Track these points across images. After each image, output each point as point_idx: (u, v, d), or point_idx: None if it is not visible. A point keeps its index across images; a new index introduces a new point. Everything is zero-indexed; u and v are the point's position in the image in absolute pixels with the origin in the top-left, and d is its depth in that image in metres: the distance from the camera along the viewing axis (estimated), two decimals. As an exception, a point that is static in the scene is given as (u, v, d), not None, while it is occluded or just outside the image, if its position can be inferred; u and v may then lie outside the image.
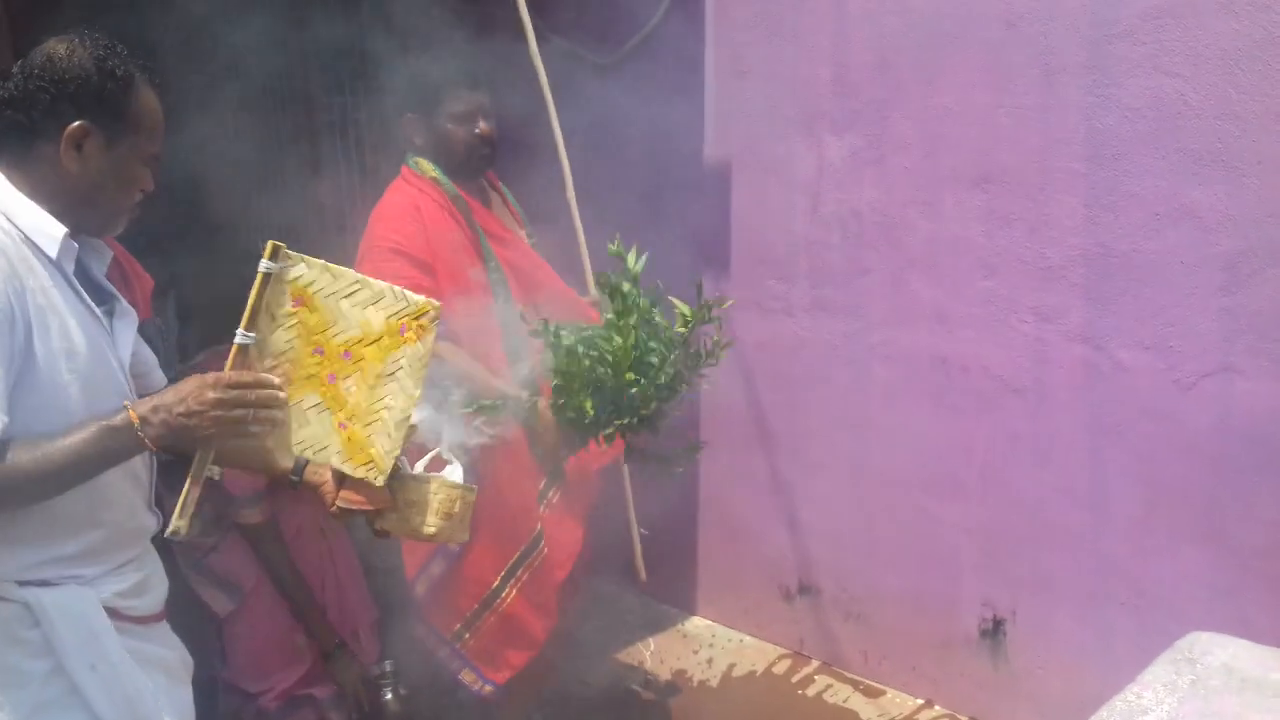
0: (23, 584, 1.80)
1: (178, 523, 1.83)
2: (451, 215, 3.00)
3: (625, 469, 3.54)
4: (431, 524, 2.13)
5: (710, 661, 4.00)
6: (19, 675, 1.81)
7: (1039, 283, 3.17)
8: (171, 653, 2.08)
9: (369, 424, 1.96)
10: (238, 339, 1.84)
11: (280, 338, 1.87)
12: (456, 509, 2.16)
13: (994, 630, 3.45)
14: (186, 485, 1.83)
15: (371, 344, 1.92)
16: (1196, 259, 2.88)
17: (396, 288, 1.93)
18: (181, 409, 1.75)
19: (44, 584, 1.81)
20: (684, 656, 4.02)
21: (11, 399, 1.71)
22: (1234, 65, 2.74)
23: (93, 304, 1.87)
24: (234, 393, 1.78)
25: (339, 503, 2.09)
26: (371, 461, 1.98)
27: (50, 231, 1.80)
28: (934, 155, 3.32)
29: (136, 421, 1.74)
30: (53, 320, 1.77)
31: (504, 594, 3.05)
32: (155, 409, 1.76)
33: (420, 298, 1.94)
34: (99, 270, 1.97)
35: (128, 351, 1.94)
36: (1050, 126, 3.07)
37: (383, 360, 1.93)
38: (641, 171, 3.57)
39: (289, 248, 1.89)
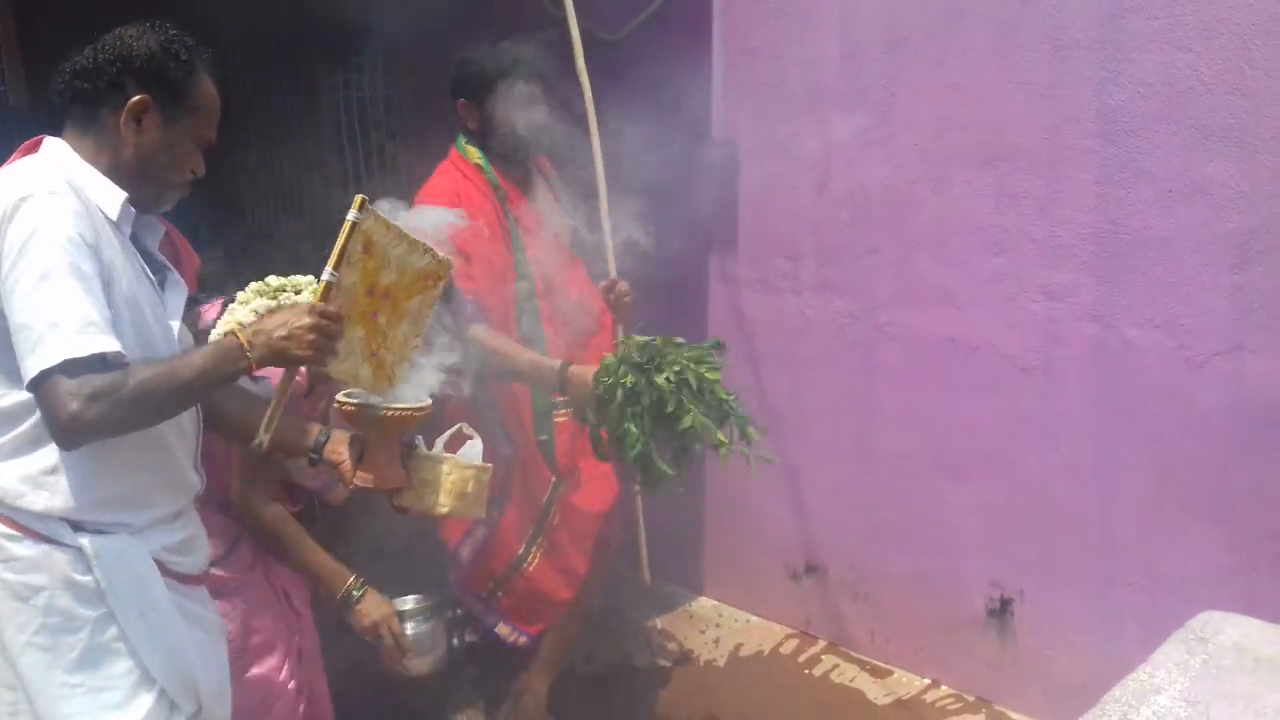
0: (77, 529, 1.91)
1: (262, 435, 1.98)
2: (491, 204, 3.06)
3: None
4: (444, 503, 2.25)
5: (717, 641, 3.99)
6: (70, 619, 1.91)
7: (1049, 261, 3.15)
8: (212, 615, 2.21)
9: (393, 350, 2.19)
10: (326, 276, 2.00)
11: (349, 279, 2.04)
12: (470, 488, 2.27)
13: (1001, 610, 3.44)
14: (274, 401, 2.01)
15: (403, 287, 2.16)
16: (1208, 236, 2.86)
17: (426, 243, 2.18)
18: (283, 333, 1.93)
19: (98, 531, 1.92)
20: (691, 636, 4.02)
21: None
22: (1248, 40, 2.71)
23: (148, 270, 2.02)
24: (324, 322, 1.96)
25: (356, 481, 2.19)
26: (387, 379, 2.19)
27: (111, 195, 1.94)
28: (943, 133, 3.29)
29: (245, 344, 1.91)
30: (118, 270, 1.90)
31: (529, 559, 3.21)
32: (257, 333, 1.93)
33: (442, 255, 2.22)
34: (152, 244, 2.11)
35: (178, 319, 2.08)
36: (1061, 103, 3.04)
37: (407, 300, 2.18)
38: (647, 149, 3.54)
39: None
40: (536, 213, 3.19)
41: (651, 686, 3.59)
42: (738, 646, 3.95)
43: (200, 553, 2.17)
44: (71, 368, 1.75)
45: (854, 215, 3.55)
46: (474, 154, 3.11)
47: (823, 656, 3.87)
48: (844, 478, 3.77)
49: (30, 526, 1.90)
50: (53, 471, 1.89)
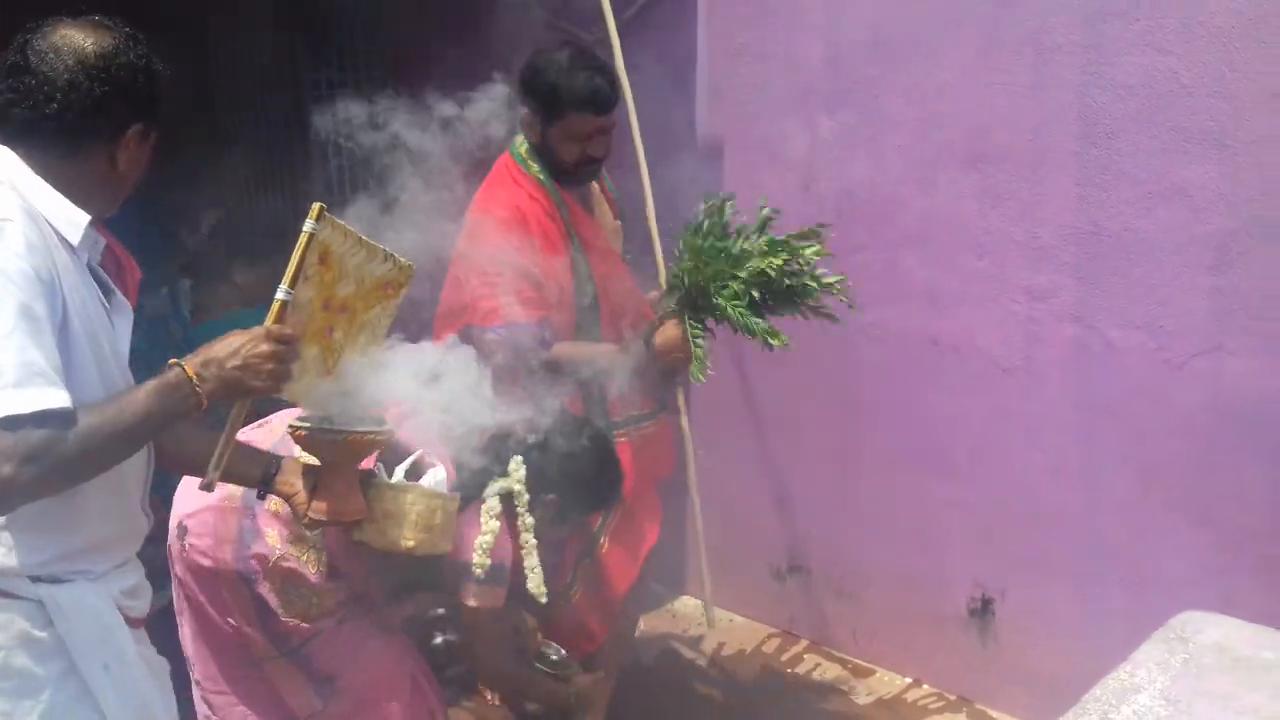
0: (35, 580, 1.75)
1: (212, 474, 1.83)
2: (553, 221, 2.94)
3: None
4: (410, 537, 2.09)
5: (700, 641, 4.00)
6: (29, 679, 1.75)
7: (1031, 262, 3.16)
8: (158, 657, 2.04)
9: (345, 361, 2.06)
10: (281, 295, 1.85)
11: (304, 294, 1.90)
12: (437, 520, 2.11)
13: (983, 609, 3.46)
14: (223, 437, 1.85)
15: (361, 297, 2.02)
16: (1187, 238, 2.88)
17: (386, 250, 2.02)
18: (236, 362, 1.76)
19: (55, 580, 1.77)
20: (674, 636, 4.02)
21: None
22: (1228, 43, 2.73)
23: (102, 296, 1.84)
24: (281, 348, 1.80)
25: (310, 514, 2.05)
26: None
27: (73, 219, 1.76)
28: (927, 134, 3.30)
29: (192, 377, 1.73)
30: (78, 303, 1.74)
31: (574, 588, 3.05)
32: (207, 363, 1.75)
33: (405, 260, 2.06)
34: (94, 259, 1.91)
35: (126, 347, 1.90)
36: (1044, 105, 3.05)
37: (366, 311, 2.04)
38: (632, 149, 3.54)
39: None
40: (595, 224, 3.08)
41: (634, 687, 3.58)
42: (720, 646, 3.96)
43: (146, 594, 2.00)
44: (11, 424, 1.56)
45: (839, 215, 3.54)
46: (533, 165, 2.94)
47: (805, 656, 3.88)
48: (828, 477, 3.78)
49: None
50: (5, 528, 1.72)
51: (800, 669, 3.81)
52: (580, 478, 2.63)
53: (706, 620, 3.74)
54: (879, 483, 3.65)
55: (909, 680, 3.68)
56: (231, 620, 2.43)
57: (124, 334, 1.89)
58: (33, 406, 1.56)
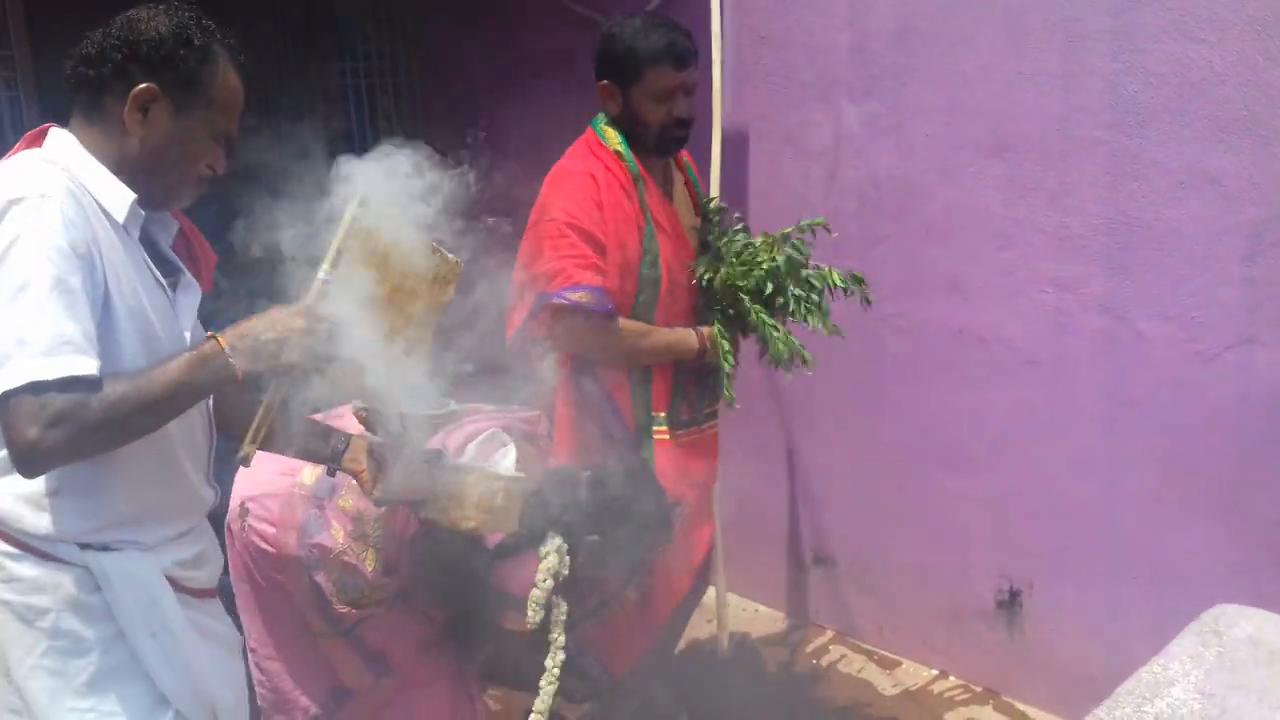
0: (84, 547, 1.79)
1: (248, 448, 1.80)
2: (628, 195, 2.85)
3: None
4: (471, 517, 2.09)
5: (723, 631, 3.98)
6: (78, 641, 1.79)
7: (1059, 252, 3.14)
8: (226, 628, 2.07)
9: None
10: (321, 275, 1.82)
11: (347, 279, 1.87)
12: (499, 501, 2.10)
13: (1010, 602, 3.44)
14: (260, 411, 1.81)
15: (408, 291, 1.97)
16: (1220, 228, 2.85)
17: (434, 243, 1.98)
18: (271, 335, 1.73)
19: (104, 548, 1.80)
20: (697, 625, 4.00)
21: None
22: (1262, 31, 2.70)
23: (158, 274, 1.85)
24: (317, 324, 1.77)
25: (375, 492, 2.06)
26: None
27: (119, 195, 1.78)
28: (953, 123, 3.28)
29: (225, 348, 1.71)
30: (124, 279, 1.75)
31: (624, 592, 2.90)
32: (242, 335, 1.73)
33: (452, 256, 2.02)
34: (165, 242, 1.94)
35: (190, 324, 1.91)
36: (1072, 93, 3.02)
37: (413, 305, 1.99)
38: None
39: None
40: (673, 211, 3.00)
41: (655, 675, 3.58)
42: (744, 636, 3.95)
43: (212, 564, 2.04)
44: (37, 390, 1.58)
45: (863, 205, 3.54)
46: (614, 138, 2.87)
47: (830, 647, 3.87)
48: (851, 469, 3.77)
49: (33, 545, 1.78)
50: (54, 494, 1.76)
51: (825, 660, 3.81)
52: (627, 523, 2.50)
53: (717, 619, 3.68)
54: (903, 474, 3.63)
55: (935, 672, 3.67)
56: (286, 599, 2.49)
57: (186, 313, 1.90)
58: (58, 372, 1.59)
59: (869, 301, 2.94)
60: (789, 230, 2.92)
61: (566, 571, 2.33)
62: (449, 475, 2.08)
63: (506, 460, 2.28)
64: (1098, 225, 3.05)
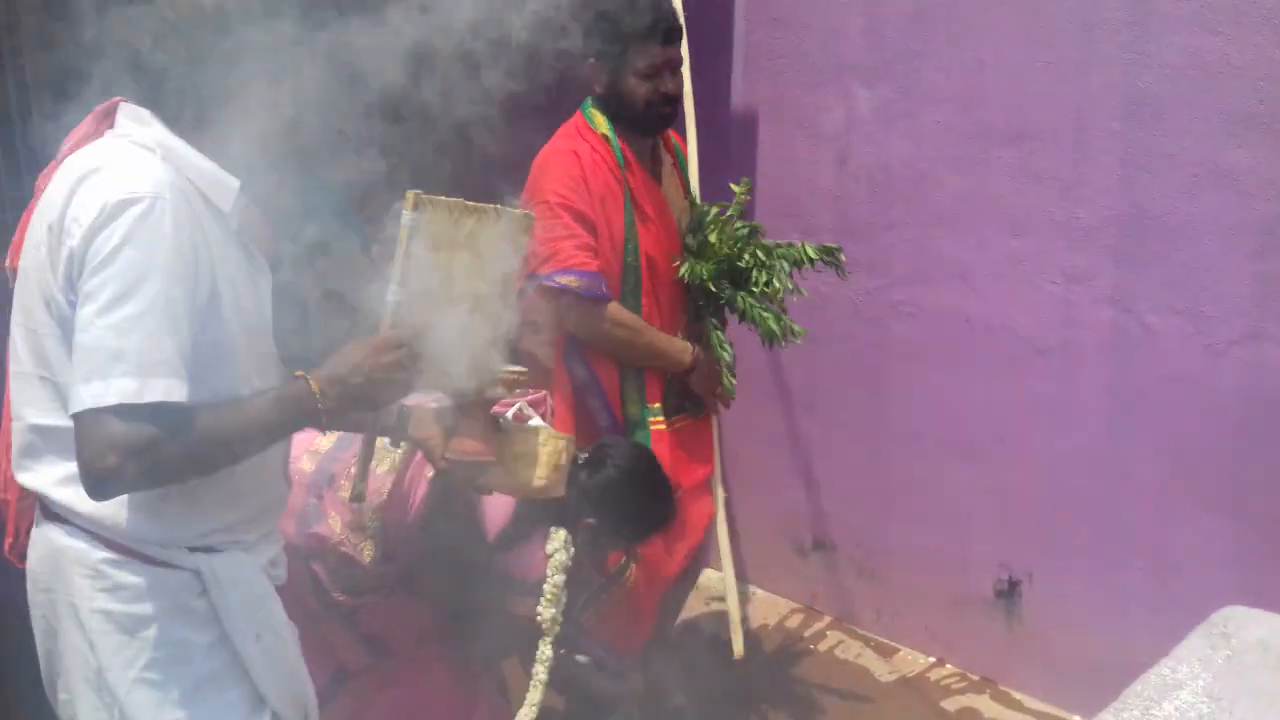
0: (192, 550, 1.73)
1: (359, 485, 1.78)
2: (614, 177, 2.83)
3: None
4: (542, 476, 2.08)
5: (722, 615, 3.99)
6: (184, 648, 1.73)
7: (1069, 243, 3.12)
8: (292, 623, 1.98)
9: (489, 342, 1.95)
10: (391, 297, 1.76)
11: (421, 284, 1.81)
12: (563, 460, 2.11)
13: (1009, 592, 3.44)
14: (362, 448, 1.80)
15: (482, 266, 1.91)
16: (1232, 223, 2.83)
17: (497, 206, 1.93)
18: (359, 379, 1.70)
19: (210, 550, 1.74)
20: (695, 608, 4.02)
21: (195, 362, 1.61)
22: (1279, 24, 2.67)
23: (250, 263, 1.79)
24: (403, 353, 1.73)
25: (448, 455, 2.02)
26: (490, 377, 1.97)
27: (225, 182, 1.70)
28: (967, 110, 3.25)
29: (317, 393, 1.67)
30: (229, 278, 1.69)
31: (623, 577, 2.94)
32: (330, 380, 1.69)
33: (518, 210, 1.96)
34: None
35: (269, 311, 1.85)
36: (1087, 83, 3.00)
37: (491, 280, 1.93)
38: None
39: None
40: (660, 196, 2.97)
41: (654, 660, 3.58)
42: (743, 620, 3.95)
43: (284, 563, 1.98)
44: (123, 414, 1.51)
45: (873, 190, 3.51)
46: (601, 122, 2.85)
47: (828, 632, 3.88)
48: (854, 454, 3.76)
49: (139, 550, 1.69)
50: (163, 499, 1.67)
51: (822, 645, 3.81)
52: (626, 507, 2.49)
53: (730, 615, 3.63)
54: (906, 462, 3.62)
55: (932, 660, 3.68)
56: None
57: (267, 298, 1.85)
58: (149, 397, 1.52)
59: (844, 274, 2.98)
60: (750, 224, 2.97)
61: (571, 563, 2.33)
62: (518, 435, 2.07)
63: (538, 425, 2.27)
64: (1109, 217, 3.03)
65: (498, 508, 2.40)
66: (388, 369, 1.72)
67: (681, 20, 2.90)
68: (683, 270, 2.91)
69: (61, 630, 1.73)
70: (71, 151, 1.71)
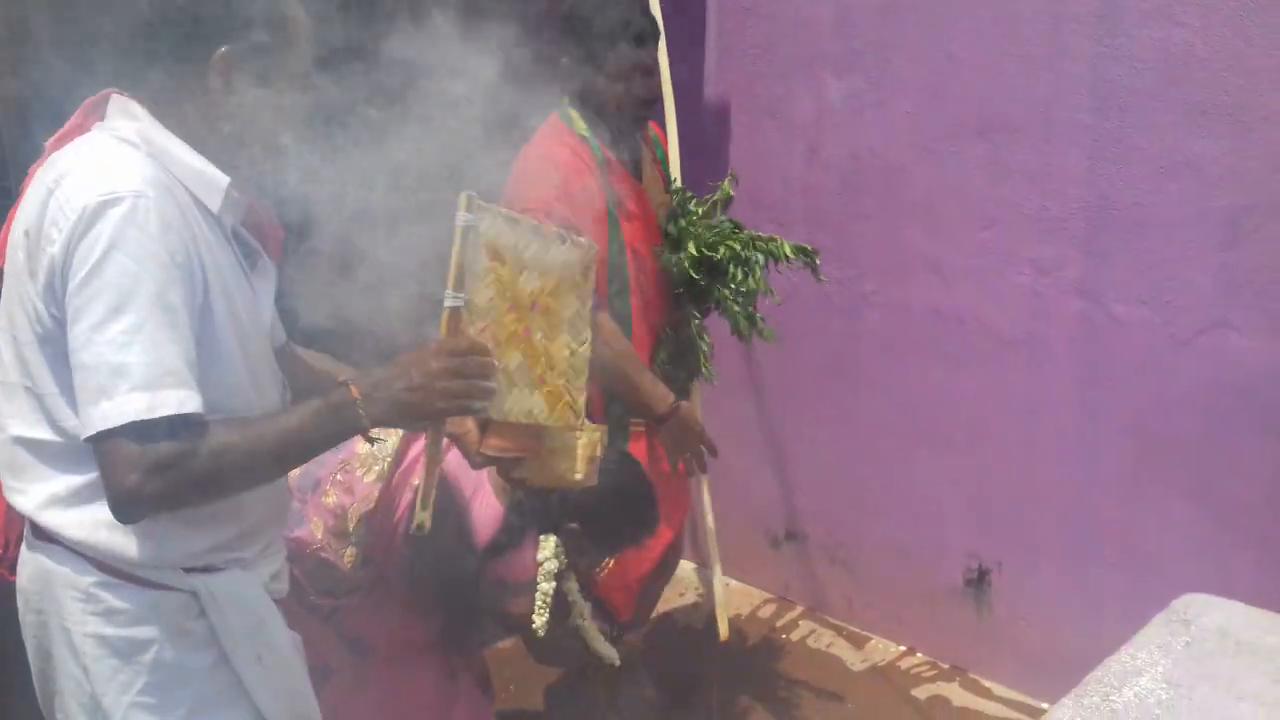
0: (188, 571, 1.65)
1: (421, 516, 1.64)
2: (594, 177, 2.78)
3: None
4: (580, 470, 2.03)
5: (695, 606, 4.01)
6: (181, 671, 1.66)
7: (1038, 235, 3.14)
8: (294, 633, 1.91)
9: (561, 371, 1.86)
10: (448, 301, 1.64)
11: (482, 296, 1.69)
12: (598, 452, 2.07)
13: (978, 580, 3.47)
14: (424, 473, 1.66)
15: (551, 291, 1.82)
16: (1197, 213, 2.85)
17: (561, 231, 1.85)
18: (403, 384, 1.59)
19: (208, 569, 1.67)
20: (669, 600, 4.02)
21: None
22: (1245, 18, 2.69)
23: (244, 263, 1.69)
24: (457, 361, 1.61)
25: (484, 450, 1.97)
26: (570, 409, 1.88)
27: (214, 180, 1.61)
28: (937, 101, 3.26)
29: (359, 399, 1.57)
30: (219, 278, 1.59)
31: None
32: (375, 385, 1.58)
33: (583, 239, 1.89)
34: (239, 221, 1.73)
35: (269, 315, 1.77)
36: (1056, 76, 3.01)
37: (561, 305, 1.85)
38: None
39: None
40: (642, 193, 2.91)
41: (627, 651, 3.59)
42: (713, 609, 3.96)
43: (286, 575, 1.91)
44: (138, 432, 1.43)
45: (844, 182, 3.52)
46: (579, 123, 2.80)
47: (800, 622, 3.89)
48: (826, 445, 3.77)
49: (134, 573, 1.62)
50: (156, 520, 1.57)
51: (794, 635, 3.83)
52: (608, 512, 2.48)
53: (717, 607, 3.59)
54: (877, 452, 3.64)
55: (903, 648, 3.70)
56: None
57: (266, 300, 1.76)
58: (161, 411, 1.44)
59: (820, 278, 2.97)
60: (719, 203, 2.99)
61: (562, 567, 2.35)
62: (552, 430, 2.01)
63: None
64: (1077, 208, 3.05)
65: (486, 515, 2.39)
66: (436, 375, 1.59)
67: (659, 22, 2.88)
68: (662, 259, 2.89)
69: (54, 653, 1.67)
70: (56, 146, 1.64)
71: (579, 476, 2.03)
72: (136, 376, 1.43)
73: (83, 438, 1.47)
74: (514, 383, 1.76)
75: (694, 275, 2.85)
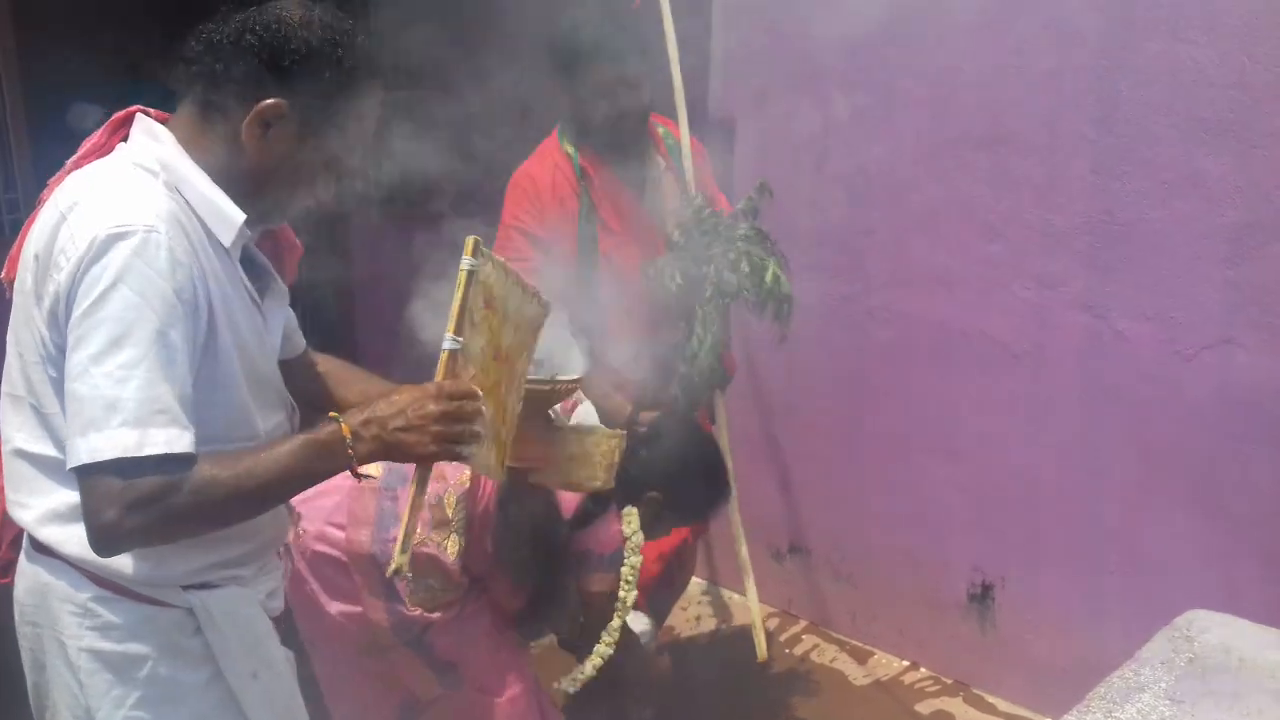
0: (186, 587, 1.65)
1: (400, 559, 1.60)
2: (571, 192, 2.85)
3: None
4: (599, 477, 2.06)
5: (699, 619, 4.00)
6: (176, 687, 1.65)
7: (1043, 248, 3.14)
8: (288, 650, 1.89)
9: (509, 426, 1.84)
10: (447, 344, 1.63)
11: (476, 343, 1.68)
12: (616, 458, 2.08)
13: (983, 595, 3.46)
14: (406, 514, 1.61)
15: (516, 346, 1.81)
16: (1202, 229, 2.85)
17: (533, 286, 1.85)
18: (400, 423, 1.56)
19: (205, 586, 1.66)
20: (673, 613, 4.02)
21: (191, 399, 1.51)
22: (1252, 35, 2.70)
23: (252, 289, 1.68)
24: (454, 405, 1.59)
25: (509, 463, 1.94)
26: (501, 465, 1.84)
27: (229, 215, 1.59)
28: (943, 115, 3.26)
29: (348, 436, 1.55)
30: (226, 310, 1.59)
31: None
32: (367, 422, 1.57)
33: (545, 298, 1.88)
34: (251, 241, 1.73)
35: (278, 338, 1.75)
36: (1062, 90, 3.02)
37: (522, 362, 1.85)
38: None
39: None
40: (632, 208, 2.94)
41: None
42: (719, 624, 3.96)
43: (281, 593, 1.89)
44: (122, 468, 1.42)
45: (850, 196, 3.52)
46: (567, 140, 2.88)
47: (804, 636, 3.88)
48: (831, 459, 3.77)
49: (131, 587, 1.62)
50: None
51: (798, 649, 3.82)
52: (688, 481, 2.52)
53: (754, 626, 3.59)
54: (881, 465, 3.64)
55: (906, 663, 3.69)
56: (347, 607, 2.37)
57: (277, 326, 1.75)
58: (149, 450, 1.43)
59: (784, 330, 2.95)
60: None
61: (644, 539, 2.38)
62: (573, 435, 2.03)
63: (591, 415, 2.23)
64: (1081, 223, 3.05)
65: None
66: (429, 418, 1.57)
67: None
68: (643, 270, 2.87)
69: (50, 666, 1.67)
70: (78, 164, 1.64)
71: (597, 484, 2.07)
72: (128, 412, 1.43)
73: (67, 467, 1.46)
74: (486, 432, 1.74)
75: (680, 280, 2.84)
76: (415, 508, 1.61)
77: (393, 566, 1.60)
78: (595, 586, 2.45)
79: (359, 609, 2.38)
